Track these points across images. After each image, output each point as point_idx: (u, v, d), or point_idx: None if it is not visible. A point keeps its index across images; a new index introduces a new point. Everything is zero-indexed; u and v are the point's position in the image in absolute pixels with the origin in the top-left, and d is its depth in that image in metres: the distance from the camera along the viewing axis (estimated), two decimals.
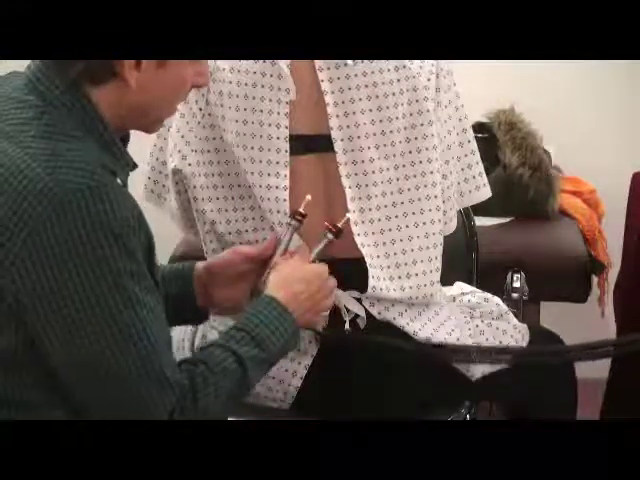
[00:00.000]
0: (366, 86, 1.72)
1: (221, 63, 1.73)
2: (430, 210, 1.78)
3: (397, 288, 1.77)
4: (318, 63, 1.71)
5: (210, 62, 1.72)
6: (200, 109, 1.76)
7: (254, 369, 1.45)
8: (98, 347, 1.31)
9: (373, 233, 1.75)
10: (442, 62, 1.79)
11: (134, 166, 1.45)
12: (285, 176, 1.71)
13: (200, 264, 1.69)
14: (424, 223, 1.78)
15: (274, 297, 1.52)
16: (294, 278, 1.57)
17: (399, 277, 1.78)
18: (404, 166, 1.76)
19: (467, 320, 1.86)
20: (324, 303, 1.61)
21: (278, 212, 1.72)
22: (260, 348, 1.46)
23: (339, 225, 1.66)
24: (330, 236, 1.66)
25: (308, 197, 1.65)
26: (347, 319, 1.75)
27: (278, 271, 1.59)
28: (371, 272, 1.74)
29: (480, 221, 2.39)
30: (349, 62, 1.71)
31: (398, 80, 1.73)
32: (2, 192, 1.30)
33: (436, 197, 1.78)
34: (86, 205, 1.28)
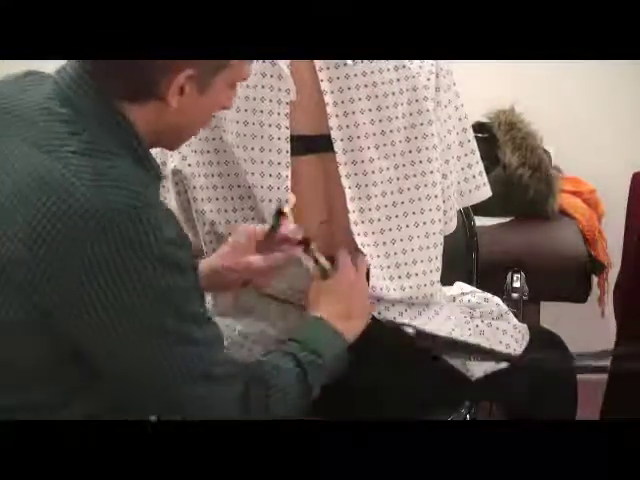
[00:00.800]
0: (366, 86, 1.72)
1: None
2: (430, 210, 1.78)
3: (397, 288, 1.77)
4: (318, 63, 1.71)
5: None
6: None
7: (313, 374, 1.48)
8: (145, 360, 1.32)
9: (373, 233, 1.75)
10: (442, 62, 1.79)
11: (163, 178, 1.46)
12: (287, 177, 1.71)
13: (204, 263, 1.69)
14: (424, 223, 1.78)
15: (319, 316, 1.58)
16: (335, 297, 1.64)
17: (399, 277, 1.78)
18: (404, 165, 1.76)
19: (467, 320, 1.86)
20: (359, 322, 1.66)
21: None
22: (316, 355, 1.50)
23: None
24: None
25: (292, 198, 1.67)
26: None
27: (323, 288, 1.66)
28: (371, 272, 1.74)
29: (480, 221, 2.39)
30: (349, 62, 1.71)
31: (398, 80, 1.73)
32: (42, 206, 1.28)
33: (436, 197, 1.78)
34: (133, 225, 1.26)
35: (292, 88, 1.70)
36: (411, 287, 1.79)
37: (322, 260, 1.68)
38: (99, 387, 1.38)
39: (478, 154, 1.88)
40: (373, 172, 1.73)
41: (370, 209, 1.74)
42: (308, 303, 1.67)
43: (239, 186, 1.76)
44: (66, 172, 1.29)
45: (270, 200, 1.72)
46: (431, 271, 1.81)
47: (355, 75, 1.71)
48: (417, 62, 1.75)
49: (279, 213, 1.65)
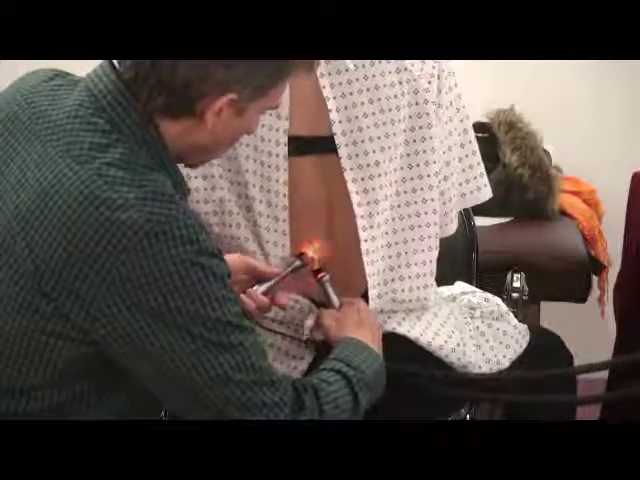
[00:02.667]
0: (368, 89, 1.71)
1: None
2: (426, 213, 1.78)
3: (389, 291, 1.78)
4: (320, 69, 1.71)
5: None
6: None
7: (360, 390, 1.47)
8: (184, 368, 1.31)
9: (380, 237, 1.75)
10: (444, 63, 1.79)
11: (189, 193, 1.46)
12: (284, 183, 1.71)
13: None
14: (419, 226, 1.78)
15: (351, 337, 1.58)
16: (353, 322, 1.64)
17: (392, 280, 1.78)
18: (402, 168, 1.76)
19: (467, 321, 1.85)
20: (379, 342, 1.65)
21: (276, 218, 1.72)
22: (359, 371, 1.49)
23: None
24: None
25: (315, 244, 1.66)
26: None
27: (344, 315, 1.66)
28: (370, 281, 1.74)
29: (480, 221, 2.39)
30: (350, 67, 1.71)
31: (400, 82, 1.73)
32: (78, 218, 1.28)
33: (433, 200, 1.78)
34: (172, 235, 1.27)
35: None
36: (403, 290, 1.79)
37: (332, 296, 1.69)
38: (123, 390, 1.39)
39: (479, 155, 1.88)
40: (379, 175, 1.73)
41: (378, 213, 1.74)
42: (327, 330, 1.66)
43: (239, 183, 1.75)
44: (102, 184, 1.29)
45: (261, 201, 1.72)
46: (425, 274, 1.81)
47: (357, 80, 1.71)
48: (418, 65, 1.75)
49: (300, 255, 1.66)
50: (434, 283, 1.84)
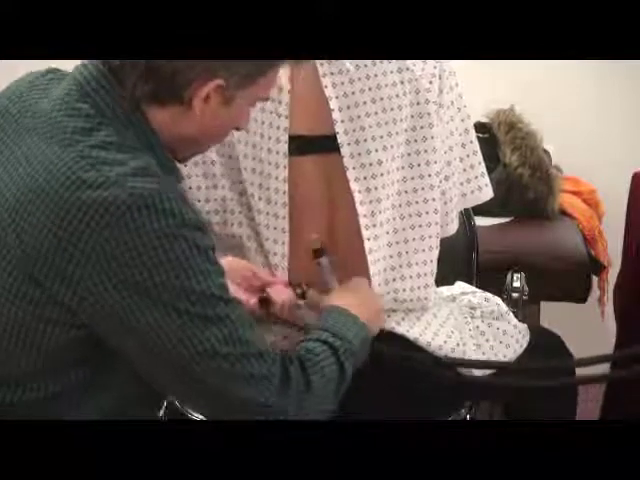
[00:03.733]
0: (370, 89, 1.72)
1: None
2: (427, 212, 1.78)
3: (391, 291, 1.78)
4: (322, 69, 1.71)
5: None
6: None
7: (346, 359, 1.47)
8: (169, 341, 1.31)
9: (383, 236, 1.75)
10: (445, 63, 1.79)
11: (182, 179, 1.46)
12: (283, 179, 1.71)
13: None
14: (420, 226, 1.78)
15: (335, 305, 1.58)
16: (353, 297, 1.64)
17: (393, 280, 1.78)
18: (403, 168, 1.76)
19: (467, 320, 1.86)
20: (378, 316, 1.67)
21: (275, 216, 1.72)
22: (345, 340, 1.49)
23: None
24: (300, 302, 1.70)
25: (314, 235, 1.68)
26: None
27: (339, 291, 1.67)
28: (373, 280, 1.74)
29: (480, 221, 2.39)
30: (351, 68, 1.71)
31: (402, 82, 1.73)
32: (60, 199, 1.29)
33: (434, 200, 1.78)
34: (155, 210, 1.28)
35: (285, 84, 1.70)
36: (404, 290, 1.79)
37: (332, 282, 1.70)
38: (117, 375, 1.39)
39: (480, 155, 1.88)
40: (382, 174, 1.73)
41: (380, 212, 1.74)
42: (319, 306, 1.67)
43: (240, 182, 1.75)
44: (85, 164, 1.30)
45: (261, 199, 1.72)
46: (425, 274, 1.81)
47: (359, 79, 1.71)
48: (420, 64, 1.75)
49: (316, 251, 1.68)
50: (434, 283, 1.84)
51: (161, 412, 1.81)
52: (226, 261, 1.72)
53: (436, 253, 1.82)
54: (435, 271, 1.83)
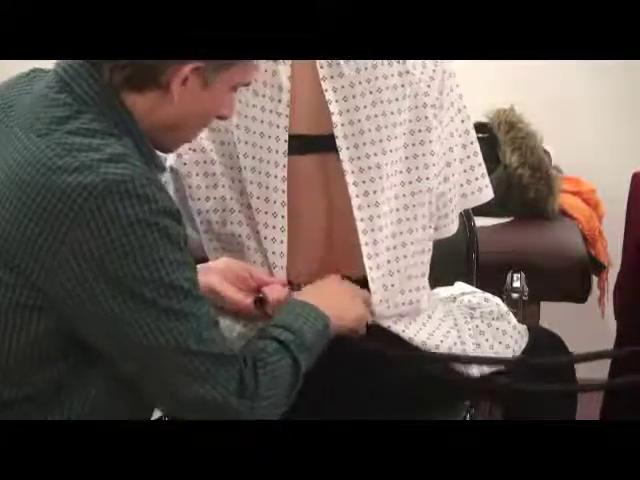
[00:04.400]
0: (370, 92, 1.71)
1: None
2: (423, 216, 1.78)
3: (389, 298, 1.77)
4: (322, 72, 1.71)
5: None
6: None
7: (300, 353, 1.47)
8: (134, 332, 1.31)
9: (382, 241, 1.74)
10: (445, 64, 1.78)
11: (163, 169, 1.46)
12: (282, 178, 1.71)
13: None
14: (416, 229, 1.78)
15: (299, 300, 1.58)
16: (324, 290, 1.64)
17: (392, 285, 1.77)
18: (401, 172, 1.76)
19: (467, 320, 1.85)
20: (350, 323, 1.66)
21: (274, 214, 1.72)
22: (298, 335, 1.49)
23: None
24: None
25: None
26: None
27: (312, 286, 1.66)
28: (373, 286, 1.73)
29: (480, 221, 2.39)
30: (351, 72, 1.71)
31: (402, 85, 1.73)
32: (36, 185, 1.29)
33: (430, 203, 1.78)
34: (128, 196, 1.28)
35: (285, 84, 1.70)
36: (402, 292, 1.79)
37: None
38: (97, 372, 1.38)
39: (481, 156, 1.88)
40: (380, 178, 1.73)
41: (379, 216, 1.74)
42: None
43: (240, 181, 1.75)
44: (60, 151, 1.30)
45: (259, 198, 1.72)
46: (417, 277, 1.81)
47: (359, 83, 1.71)
48: (419, 67, 1.75)
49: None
50: (427, 286, 1.84)
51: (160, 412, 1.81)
52: (222, 261, 1.73)
53: (429, 256, 1.82)
54: (427, 273, 1.83)
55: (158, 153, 1.46)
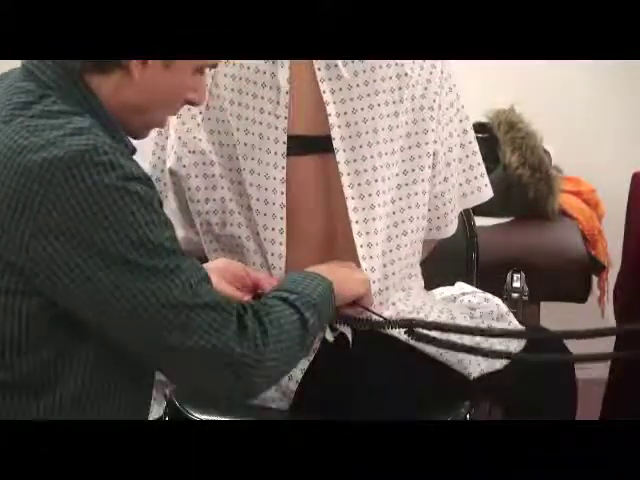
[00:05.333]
0: (368, 95, 1.71)
1: (221, 68, 1.73)
2: (418, 218, 1.78)
3: (384, 301, 1.77)
4: (320, 74, 1.71)
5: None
6: (200, 112, 1.76)
7: (305, 310, 1.46)
8: (120, 295, 1.31)
9: (377, 244, 1.74)
10: (443, 64, 1.78)
11: (133, 150, 1.45)
12: (281, 180, 1.71)
13: None
14: (412, 231, 1.78)
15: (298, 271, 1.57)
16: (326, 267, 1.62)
17: (386, 288, 1.77)
18: (397, 175, 1.76)
19: (467, 320, 1.85)
20: (355, 286, 1.64)
21: (273, 216, 1.72)
22: (301, 295, 1.48)
23: None
24: None
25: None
26: (331, 337, 1.75)
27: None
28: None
29: (480, 221, 2.39)
30: (349, 75, 1.70)
31: (400, 88, 1.73)
32: (7, 170, 1.30)
33: (424, 205, 1.78)
34: (94, 164, 1.29)
35: (283, 85, 1.70)
36: (400, 298, 1.79)
37: None
38: (88, 347, 1.37)
39: (480, 156, 1.88)
40: (376, 181, 1.73)
41: (374, 219, 1.73)
42: None
43: (240, 183, 1.75)
44: (25, 132, 1.32)
45: (259, 199, 1.72)
46: (410, 277, 1.81)
47: (357, 85, 1.71)
48: (417, 69, 1.75)
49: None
50: (416, 286, 1.84)
51: (160, 412, 1.81)
52: (220, 261, 1.73)
53: (419, 258, 1.82)
54: (418, 274, 1.83)
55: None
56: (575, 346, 1.91)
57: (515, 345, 1.84)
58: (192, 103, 1.48)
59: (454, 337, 1.72)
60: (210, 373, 1.37)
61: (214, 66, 1.49)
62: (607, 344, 2.47)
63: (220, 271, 1.66)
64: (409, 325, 1.64)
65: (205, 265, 1.72)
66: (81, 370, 1.37)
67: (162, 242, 1.32)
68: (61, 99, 1.36)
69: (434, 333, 1.64)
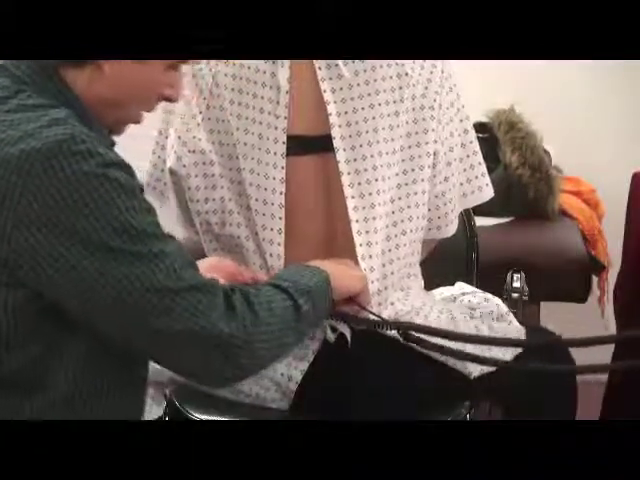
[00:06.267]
0: (368, 94, 1.71)
1: (222, 68, 1.73)
2: (417, 217, 1.78)
3: (382, 301, 1.77)
4: (320, 74, 1.71)
5: (212, 66, 1.73)
6: (200, 112, 1.76)
7: (299, 296, 1.47)
8: (104, 282, 1.31)
9: (376, 243, 1.74)
10: (443, 64, 1.78)
11: (112, 143, 1.45)
12: (281, 180, 1.71)
13: None
14: (411, 231, 1.78)
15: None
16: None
17: (385, 288, 1.77)
18: (397, 175, 1.76)
19: (467, 320, 1.85)
20: (352, 282, 1.65)
21: (272, 216, 1.72)
22: (294, 282, 1.49)
23: None
24: None
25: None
26: (332, 337, 1.75)
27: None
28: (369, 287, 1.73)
29: (480, 221, 2.39)
30: (350, 74, 1.71)
31: (400, 88, 1.73)
32: None
33: (424, 204, 1.78)
34: (72, 153, 1.29)
35: (283, 85, 1.70)
36: (399, 298, 1.78)
37: None
38: (78, 341, 1.37)
39: (480, 155, 1.88)
40: (376, 180, 1.73)
41: (374, 218, 1.73)
42: None
43: (239, 183, 1.75)
44: (1, 126, 1.32)
45: (257, 199, 1.72)
46: (409, 277, 1.81)
47: (358, 85, 1.71)
48: (417, 69, 1.75)
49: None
50: (416, 286, 1.84)
51: (160, 412, 1.81)
52: (212, 259, 1.73)
53: (418, 258, 1.82)
54: (418, 274, 1.83)
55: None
56: (575, 348, 1.91)
57: (512, 349, 1.84)
58: (169, 99, 1.47)
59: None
60: (199, 355, 1.37)
61: (184, 62, 1.47)
62: (607, 346, 2.47)
63: (214, 268, 1.67)
64: (405, 328, 1.65)
65: (199, 262, 1.72)
66: (72, 366, 1.37)
67: (144, 227, 1.33)
68: (36, 93, 1.37)
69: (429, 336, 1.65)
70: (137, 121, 1.49)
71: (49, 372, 1.36)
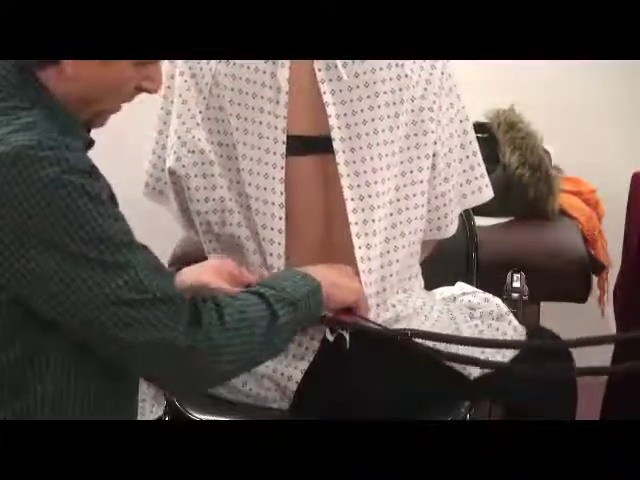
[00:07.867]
0: (368, 96, 1.71)
1: (222, 68, 1.73)
2: (416, 219, 1.78)
3: (381, 302, 1.77)
4: (320, 75, 1.71)
5: (212, 66, 1.73)
6: (200, 112, 1.76)
7: (280, 307, 1.46)
8: (71, 290, 1.31)
9: (375, 245, 1.74)
10: (443, 64, 1.78)
11: (90, 143, 1.45)
12: (280, 180, 1.71)
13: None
14: (410, 232, 1.78)
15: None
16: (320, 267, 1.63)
17: (384, 290, 1.77)
18: (396, 176, 1.76)
19: (466, 320, 1.86)
20: (348, 287, 1.65)
21: (272, 216, 1.72)
22: (279, 290, 1.48)
23: None
24: None
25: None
26: (331, 337, 1.75)
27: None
28: (367, 290, 1.73)
29: (480, 221, 2.39)
30: (349, 76, 1.70)
31: (400, 89, 1.73)
32: None
33: (423, 206, 1.78)
34: (38, 159, 1.29)
35: (283, 85, 1.70)
36: (399, 300, 1.78)
37: None
38: (64, 344, 1.37)
39: (480, 156, 1.88)
40: (376, 182, 1.73)
41: (373, 220, 1.73)
42: None
43: (239, 182, 1.75)
44: None
45: (257, 199, 1.72)
46: (409, 279, 1.81)
47: (357, 87, 1.71)
48: (417, 70, 1.75)
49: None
50: (416, 287, 1.84)
51: (160, 412, 1.81)
52: (213, 259, 1.73)
53: (417, 259, 1.82)
54: (418, 275, 1.83)
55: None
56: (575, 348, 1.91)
57: (512, 350, 1.84)
58: (148, 91, 1.46)
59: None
60: (164, 367, 1.37)
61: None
62: (607, 346, 2.47)
63: (216, 271, 1.67)
64: (404, 335, 1.65)
65: (201, 263, 1.72)
66: (58, 370, 1.37)
67: (110, 235, 1.32)
68: (10, 94, 1.37)
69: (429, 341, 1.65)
70: (116, 112, 1.48)
71: (35, 376, 1.36)
